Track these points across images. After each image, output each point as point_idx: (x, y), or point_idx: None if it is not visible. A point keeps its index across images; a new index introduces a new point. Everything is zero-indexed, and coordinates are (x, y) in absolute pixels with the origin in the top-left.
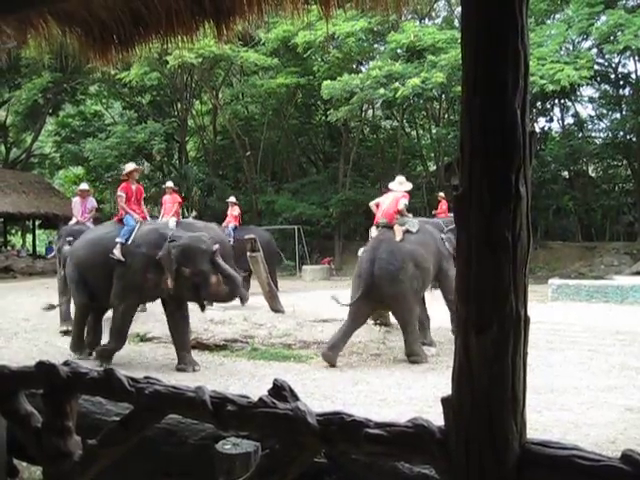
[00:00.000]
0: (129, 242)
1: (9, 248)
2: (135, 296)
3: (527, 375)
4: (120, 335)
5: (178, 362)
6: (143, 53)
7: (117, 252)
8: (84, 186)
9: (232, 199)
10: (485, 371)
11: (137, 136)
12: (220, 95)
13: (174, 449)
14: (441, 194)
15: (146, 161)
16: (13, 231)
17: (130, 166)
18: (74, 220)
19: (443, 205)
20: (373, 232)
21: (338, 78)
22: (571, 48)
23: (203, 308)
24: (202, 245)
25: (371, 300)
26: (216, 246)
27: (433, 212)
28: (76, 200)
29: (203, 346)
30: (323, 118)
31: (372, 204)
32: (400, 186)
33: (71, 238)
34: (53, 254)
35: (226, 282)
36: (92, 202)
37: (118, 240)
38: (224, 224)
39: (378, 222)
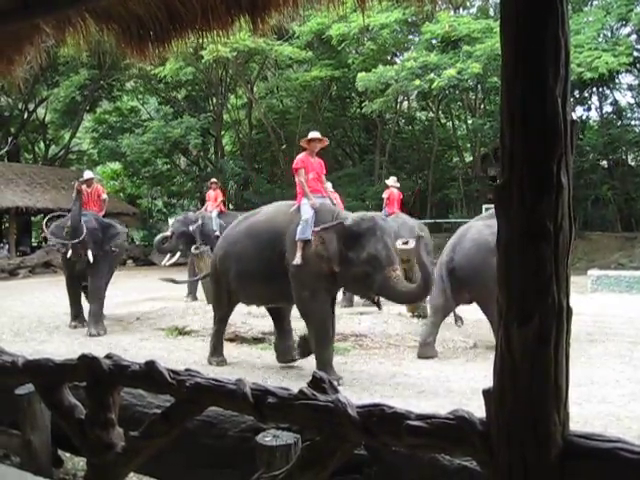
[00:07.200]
0: None
1: (50, 243)
2: None
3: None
4: None
5: None
6: (179, 48)
7: None
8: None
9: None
10: (527, 363)
11: (173, 131)
12: (255, 89)
13: (215, 441)
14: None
15: (182, 156)
16: None
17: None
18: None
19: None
20: None
21: (373, 70)
22: (609, 35)
23: None
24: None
25: None
26: None
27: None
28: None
29: (241, 339)
30: (358, 110)
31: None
32: None
33: None
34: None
35: None
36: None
37: None
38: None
39: None
